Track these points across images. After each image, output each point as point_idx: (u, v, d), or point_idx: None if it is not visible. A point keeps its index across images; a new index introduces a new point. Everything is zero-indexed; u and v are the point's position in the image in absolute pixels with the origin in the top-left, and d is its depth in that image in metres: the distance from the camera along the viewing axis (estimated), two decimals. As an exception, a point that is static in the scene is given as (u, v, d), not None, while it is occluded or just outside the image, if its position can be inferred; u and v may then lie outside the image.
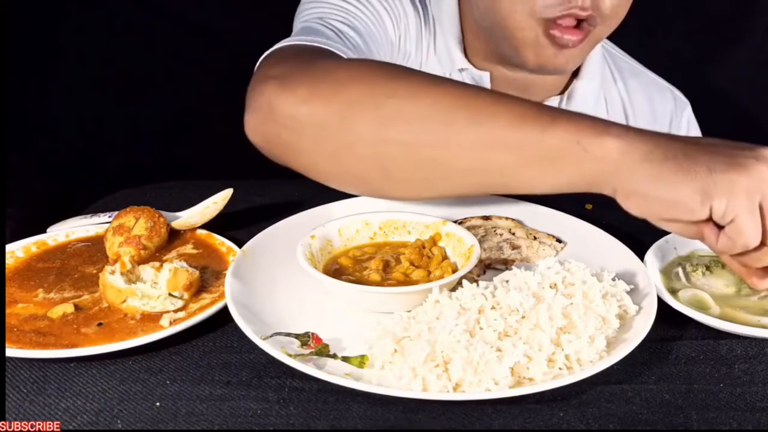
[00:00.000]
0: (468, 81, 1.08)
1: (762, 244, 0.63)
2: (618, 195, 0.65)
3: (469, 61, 1.08)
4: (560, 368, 0.61)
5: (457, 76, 1.08)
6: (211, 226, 0.86)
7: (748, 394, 0.62)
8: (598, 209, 0.91)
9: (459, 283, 0.70)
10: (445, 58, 1.09)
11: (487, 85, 1.08)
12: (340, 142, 0.73)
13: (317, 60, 0.80)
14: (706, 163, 0.61)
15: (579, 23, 0.93)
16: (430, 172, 0.72)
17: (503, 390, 0.59)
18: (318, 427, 0.58)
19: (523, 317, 0.64)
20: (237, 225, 0.87)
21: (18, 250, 0.81)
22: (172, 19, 1.52)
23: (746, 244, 0.62)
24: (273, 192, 0.98)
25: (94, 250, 0.83)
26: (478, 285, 0.68)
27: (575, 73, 1.13)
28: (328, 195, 0.89)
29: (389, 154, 0.72)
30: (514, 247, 0.81)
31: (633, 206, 0.65)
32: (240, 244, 0.80)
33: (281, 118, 0.74)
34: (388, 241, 0.81)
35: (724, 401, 0.61)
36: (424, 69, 1.07)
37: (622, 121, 1.17)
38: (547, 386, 0.59)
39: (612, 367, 0.62)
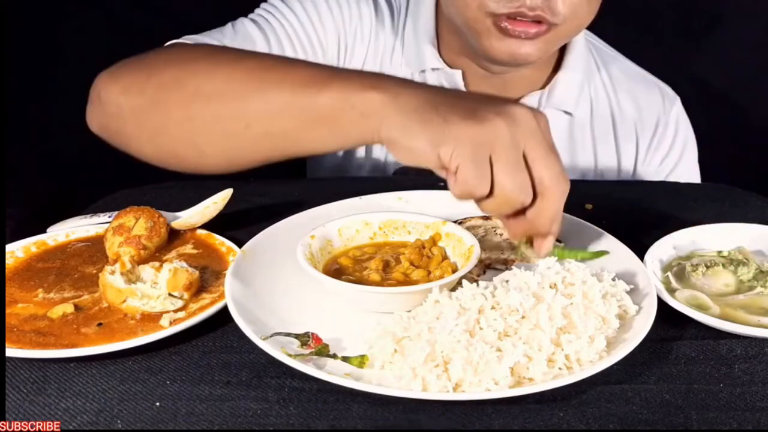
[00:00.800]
0: (441, 80, 1.10)
1: (491, 194, 0.65)
2: (385, 145, 0.68)
3: (444, 59, 1.10)
4: (560, 368, 0.61)
5: (424, 76, 1.11)
6: (211, 226, 0.86)
7: (748, 394, 0.62)
8: (598, 209, 0.91)
9: (459, 283, 0.70)
10: (413, 58, 1.11)
11: (460, 83, 1.10)
12: (155, 125, 0.80)
13: (149, 52, 0.86)
14: (445, 114, 0.65)
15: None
16: (233, 143, 0.78)
17: (503, 390, 0.59)
18: (318, 427, 0.58)
19: (523, 317, 0.64)
20: (237, 225, 0.87)
21: (18, 250, 0.81)
22: (172, 19, 1.51)
23: (470, 191, 0.65)
24: (273, 192, 0.98)
25: (94, 250, 0.83)
26: (478, 285, 0.68)
27: (557, 66, 1.13)
28: (328, 195, 0.89)
29: (196, 130, 0.78)
30: (514, 247, 0.81)
31: (395, 154, 0.68)
32: (240, 244, 0.80)
33: (108, 107, 0.83)
34: (388, 241, 0.81)
35: (724, 401, 0.61)
36: (384, 71, 1.11)
37: (607, 111, 1.18)
38: (547, 386, 0.59)
39: (612, 367, 0.62)
